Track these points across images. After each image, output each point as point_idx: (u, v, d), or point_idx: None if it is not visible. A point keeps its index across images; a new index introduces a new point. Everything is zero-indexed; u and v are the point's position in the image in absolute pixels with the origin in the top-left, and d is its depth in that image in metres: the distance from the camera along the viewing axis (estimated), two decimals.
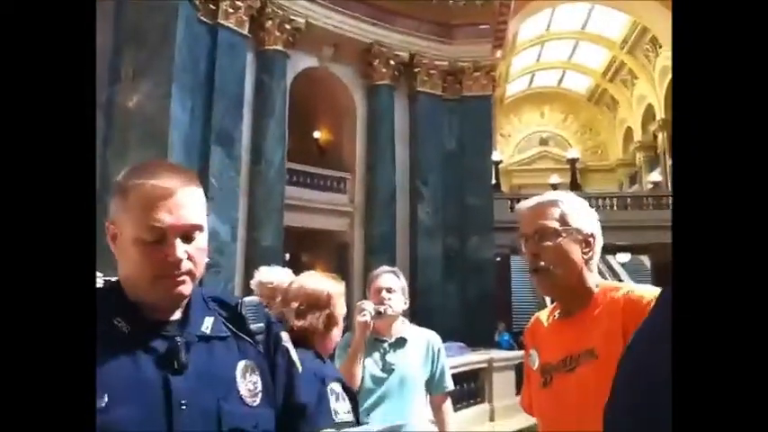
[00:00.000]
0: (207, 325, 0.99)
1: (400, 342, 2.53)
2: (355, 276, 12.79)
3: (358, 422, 1.50)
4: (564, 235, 1.35)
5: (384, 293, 2.49)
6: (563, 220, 1.36)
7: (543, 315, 1.48)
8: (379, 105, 13.59)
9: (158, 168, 1.00)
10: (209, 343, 0.98)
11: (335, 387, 1.50)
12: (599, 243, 1.38)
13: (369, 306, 2.40)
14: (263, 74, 11.58)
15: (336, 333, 1.83)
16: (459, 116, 14.23)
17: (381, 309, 2.42)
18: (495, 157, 16.17)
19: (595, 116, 28.71)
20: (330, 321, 1.77)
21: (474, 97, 14.40)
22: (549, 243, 1.35)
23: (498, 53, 15.73)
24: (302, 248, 14.16)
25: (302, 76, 12.75)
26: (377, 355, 2.49)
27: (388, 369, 2.46)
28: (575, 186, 17.58)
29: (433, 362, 2.57)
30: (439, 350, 2.61)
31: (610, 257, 21.52)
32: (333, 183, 13.50)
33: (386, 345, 2.51)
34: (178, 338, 0.94)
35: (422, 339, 2.59)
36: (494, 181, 16.53)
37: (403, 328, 2.58)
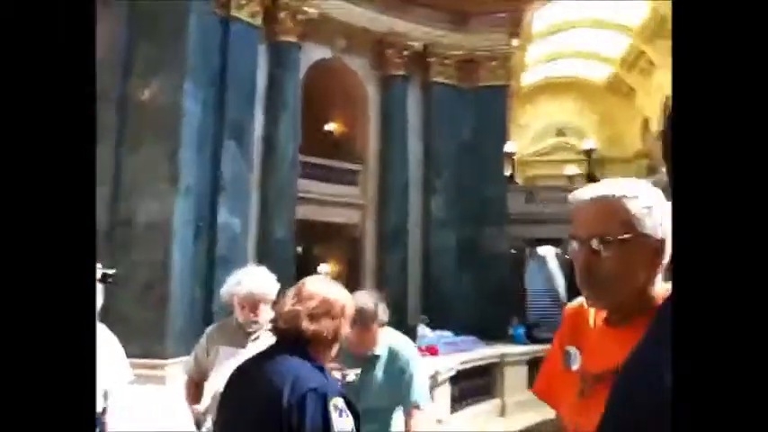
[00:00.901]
0: None
1: (375, 358, 2.56)
2: (367, 269, 12.76)
3: None
4: (630, 243, 1.09)
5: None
6: (631, 223, 1.10)
7: (590, 312, 1.27)
8: (393, 96, 13.47)
9: None
10: None
11: (338, 403, 1.46)
12: (670, 245, 1.09)
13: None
14: (276, 66, 11.51)
15: (336, 348, 1.76)
16: (474, 107, 14.07)
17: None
18: (510, 148, 15.97)
19: (612, 106, 28.28)
20: (336, 334, 1.70)
21: (489, 87, 14.22)
22: (608, 254, 1.11)
23: (515, 42, 15.49)
24: (314, 241, 14.15)
25: (315, 68, 12.67)
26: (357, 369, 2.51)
27: (363, 384, 2.48)
28: (591, 178, 17.33)
29: (405, 374, 2.57)
30: (412, 362, 2.60)
31: None
32: (346, 175, 13.44)
33: (361, 361, 2.52)
34: None
35: (396, 351, 2.60)
36: (509, 172, 16.36)
37: (382, 341, 2.58)
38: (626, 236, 1.09)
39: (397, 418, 2.61)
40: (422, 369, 2.71)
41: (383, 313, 2.56)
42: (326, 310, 1.67)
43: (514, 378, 8.61)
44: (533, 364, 9.23)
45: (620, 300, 1.16)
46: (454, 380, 7.01)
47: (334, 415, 1.43)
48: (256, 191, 10.90)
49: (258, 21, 10.94)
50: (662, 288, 1.15)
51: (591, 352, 1.24)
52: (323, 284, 1.76)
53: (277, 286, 2.67)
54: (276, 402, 1.47)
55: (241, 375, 1.65)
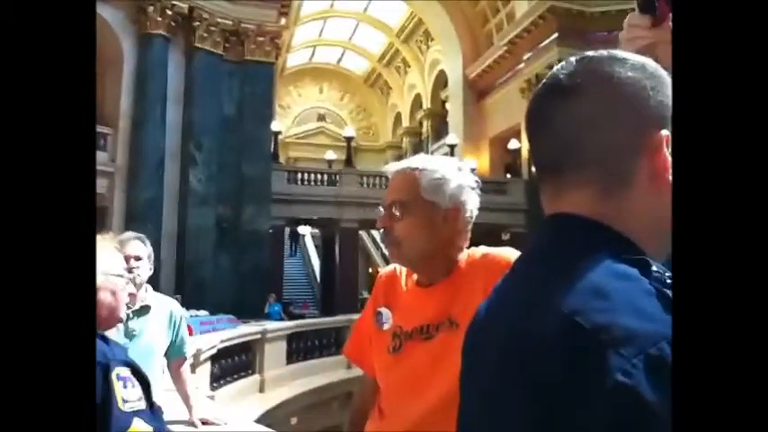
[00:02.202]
0: None
1: (144, 309, 2.55)
2: None
3: (152, 407, 1.33)
4: (418, 208, 1.25)
5: (132, 261, 2.44)
6: (419, 191, 1.25)
7: (402, 275, 1.38)
8: (152, 57, 12.35)
9: None
10: None
11: (121, 372, 1.30)
12: (468, 213, 1.28)
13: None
14: None
15: (113, 317, 1.52)
16: (239, 80, 13.67)
17: (132, 277, 2.34)
18: (275, 127, 15.93)
19: (370, 98, 30.15)
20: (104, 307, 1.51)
21: (256, 62, 13.95)
22: (398, 216, 1.26)
23: (283, 20, 15.42)
24: None
25: None
26: None
27: (129, 335, 2.48)
28: (349, 163, 18.21)
29: (174, 329, 2.64)
30: (180, 318, 2.69)
31: (375, 232, 22.95)
32: None
33: (129, 312, 2.49)
34: None
35: (164, 307, 2.63)
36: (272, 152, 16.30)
37: (146, 295, 2.59)
38: (414, 202, 1.25)
39: (158, 368, 2.62)
40: None
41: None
42: None
43: (274, 354, 8.67)
44: (292, 339, 9.40)
45: (414, 258, 1.29)
46: (214, 358, 6.77)
47: (117, 385, 1.27)
48: None
49: None
50: (465, 254, 1.31)
51: (403, 311, 1.32)
52: None
53: None
54: None
55: None
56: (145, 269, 2.52)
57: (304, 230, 21.33)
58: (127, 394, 1.27)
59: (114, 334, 2.37)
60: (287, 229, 17.89)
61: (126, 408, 1.25)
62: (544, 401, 0.49)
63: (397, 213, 1.26)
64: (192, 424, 2.58)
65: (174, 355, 2.66)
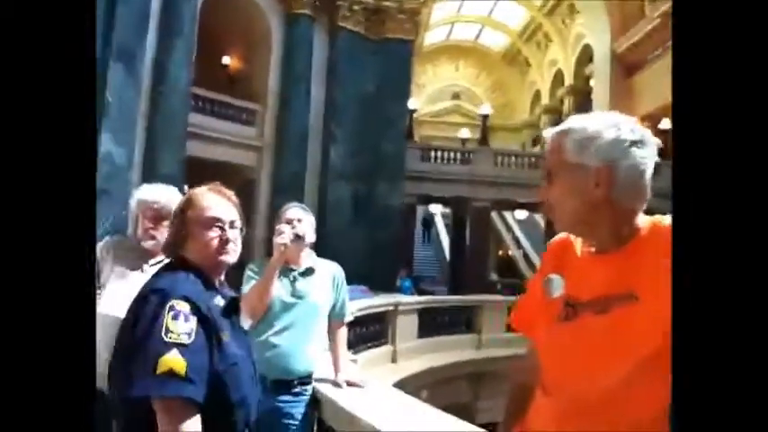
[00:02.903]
0: None
1: (309, 271, 2.64)
2: (261, 214, 12.37)
3: (214, 348, 1.38)
4: (563, 174, 1.17)
5: (296, 223, 2.56)
6: (563, 155, 1.17)
7: (578, 241, 1.29)
8: (298, 36, 12.90)
9: None
10: None
11: (177, 304, 1.34)
12: (625, 171, 1.14)
13: (287, 229, 2.50)
14: None
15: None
16: (380, 58, 13.86)
17: (299, 232, 2.50)
18: (412, 105, 16.02)
19: (507, 75, 29.29)
20: None
21: (396, 40, 14.06)
22: (547, 184, 1.21)
23: None
24: (205, 180, 13.37)
25: None
26: (286, 281, 2.59)
27: (297, 295, 2.58)
28: (483, 142, 17.89)
29: (337, 291, 2.72)
30: (342, 281, 2.76)
31: (507, 213, 22.43)
32: (242, 114, 12.78)
33: (295, 273, 2.61)
34: None
35: (328, 270, 2.72)
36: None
37: (311, 259, 2.69)
38: (560, 166, 1.18)
39: (322, 328, 2.72)
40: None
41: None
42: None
43: (406, 326, 8.86)
44: (423, 313, 9.52)
45: (570, 226, 1.24)
46: (350, 325, 7.04)
47: (168, 316, 1.31)
48: (143, 120, 10.04)
49: None
50: (645, 220, 1.19)
51: (575, 279, 1.23)
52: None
53: None
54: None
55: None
56: (308, 231, 2.58)
57: (435, 209, 21.38)
58: (174, 326, 1.30)
59: (282, 292, 2.54)
60: (418, 207, 18.02)
61: (167, 337, 1.29)
62: None
63: (546, 182, 1.21)
64: (336, 384, 2.65)
65: (335, 316, 2.74)
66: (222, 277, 1.57)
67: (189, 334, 1.31)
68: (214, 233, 1.50)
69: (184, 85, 10.65)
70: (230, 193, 1.61)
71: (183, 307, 1.34)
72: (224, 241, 1.50)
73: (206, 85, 11.98)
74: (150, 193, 2.49)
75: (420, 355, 8.88)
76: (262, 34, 13.09)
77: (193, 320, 1.33)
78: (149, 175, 9.84)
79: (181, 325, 1.31)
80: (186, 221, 1.51)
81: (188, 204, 1.55)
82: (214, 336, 1.38)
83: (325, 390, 2.59)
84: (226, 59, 14.05)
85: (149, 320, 1.31)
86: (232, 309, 1.52)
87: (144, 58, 9.84)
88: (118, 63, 9.07)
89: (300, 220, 2.57)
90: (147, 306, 1.34)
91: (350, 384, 2.65)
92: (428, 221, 23.41)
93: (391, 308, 8.56)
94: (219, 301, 1.47)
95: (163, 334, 1.29)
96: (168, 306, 1.32)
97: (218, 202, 1.55)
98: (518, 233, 23.01)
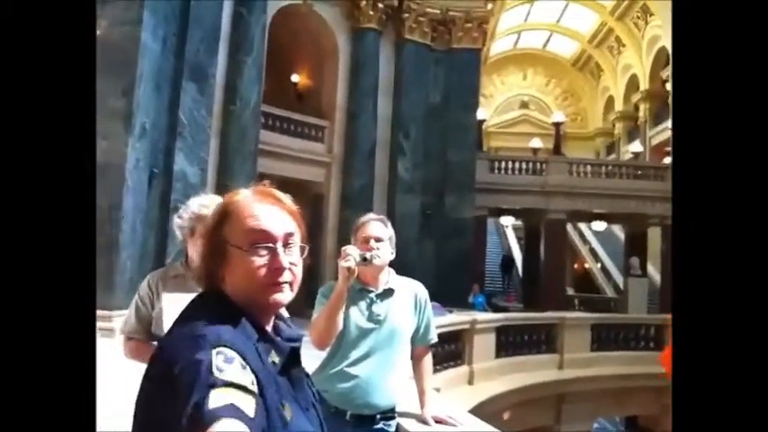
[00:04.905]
0: None
1: (387, 293, 2.38)
2: (329, 229, 12.34)
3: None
4: None
5: (372, 243, 2.30)
6: None
7: None
8: (364, 51, 12.89)
9: None
10: None
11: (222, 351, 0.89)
12: None
13: (354, 251, 2.18)
14: (242, 6, 10.74)
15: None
16: (446, 68, 13.65)
17: (367, 255, 2.20)
18: (480, 115, 15.67)
19: (578, 82, 28.36)
20: None
21: (463, 50, 13.81)
22: None
23: (489, 6, 15.06)
24: None
25: (283, 14, 11.93)
26: (363, 305, 2.36)
27: (375, 320, 2.34)
28: (557, 150, 17.25)
29: (419, 313, 2.45)
30: (426, 301, 2.48)
31: (583, 225, 21.52)
32: (310, 130, 12.86)
33: (372, 295, 2.36)
34: None
35: (409, 290, 2.45)
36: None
37: (390, 278, 2.42)
38: None
39: (405, 354, 2.43)
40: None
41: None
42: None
43: (483, 345, 8.44)
44: (501, 332, 9.07)
45: None
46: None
47: (218, 359, 0.88)
48: (215, 139, 10.22)
49: None
50: None
51: None
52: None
53: None
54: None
55: None
56: (386, 251, 2.32)
57: (506, 221, 20.78)
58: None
59: (359, 317, 2.29)
60: (489, 219, 17.54)
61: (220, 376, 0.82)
62: None
63: None
64: (423, 421, 2.37)
65: (419, 341, 2.45)
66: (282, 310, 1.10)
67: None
68: (261, 259, 1.01)
69: (255, 103, 10.80)
70: (284, 197, 1.11)
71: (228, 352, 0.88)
72: (274, 270, 1.01)
73: (275, 102, 12.12)
74: (201, 204, 2.06)
75: (499, 375, 8.45)
76: (329, 50, 13.16)
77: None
78: (221, 193, 9.97)
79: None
80: (222, 240, 1.03)
81: (224, 215, 1.04)
82: (275, 411, 0.92)
83: (411, 427, 2.34)
84: (294, 77, 14.22)
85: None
86: (293, 363, 1.04)
87: (215, 77, 10.03)
88: (190, 83, 9.27)
89: (379, 238, 2.31)
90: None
91: (437, 421, 2.36)
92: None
93: (467, 326, 8.19)
94: (275, 357, 1.00)
95: (217, 373, 0.84)
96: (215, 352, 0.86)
97: (267, 212, 1.04)
98: (595, 245, 22.05)
